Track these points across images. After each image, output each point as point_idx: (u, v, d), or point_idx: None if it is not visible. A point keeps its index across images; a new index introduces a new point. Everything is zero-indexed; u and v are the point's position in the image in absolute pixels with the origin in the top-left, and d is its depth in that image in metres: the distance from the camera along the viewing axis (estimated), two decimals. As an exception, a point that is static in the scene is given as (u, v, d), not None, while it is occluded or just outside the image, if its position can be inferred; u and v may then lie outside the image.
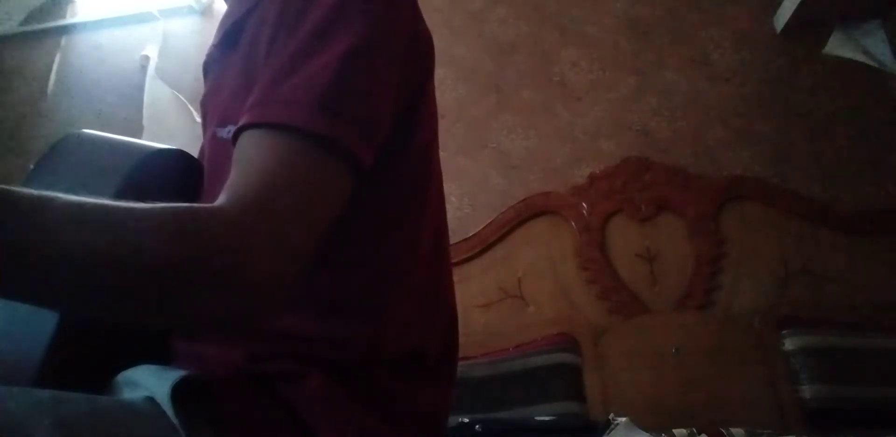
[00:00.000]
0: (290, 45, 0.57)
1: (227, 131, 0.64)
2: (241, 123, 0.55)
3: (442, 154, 0.75)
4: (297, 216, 0.50)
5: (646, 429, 1.45)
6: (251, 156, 0.53)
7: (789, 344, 1.85)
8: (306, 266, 0.51)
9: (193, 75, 2.59)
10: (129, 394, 0.56)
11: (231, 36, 0.69)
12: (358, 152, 0.54)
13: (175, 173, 0.72)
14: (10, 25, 2.93)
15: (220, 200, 0.50)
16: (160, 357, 0.63)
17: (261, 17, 0.64)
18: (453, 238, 0.75)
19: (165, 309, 0.47)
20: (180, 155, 0.74)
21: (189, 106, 2.59)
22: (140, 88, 2.68)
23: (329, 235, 0.53)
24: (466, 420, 1.62)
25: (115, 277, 0.45)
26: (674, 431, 1.52)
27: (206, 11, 2.83)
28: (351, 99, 0.55)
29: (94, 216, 0.46)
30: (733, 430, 1.49)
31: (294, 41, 0.57)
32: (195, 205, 0.49)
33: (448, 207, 0.76)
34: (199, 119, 2.52)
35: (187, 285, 0.46)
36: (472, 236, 2.25)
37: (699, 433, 1.49)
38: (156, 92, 2.65)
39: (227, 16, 0.74)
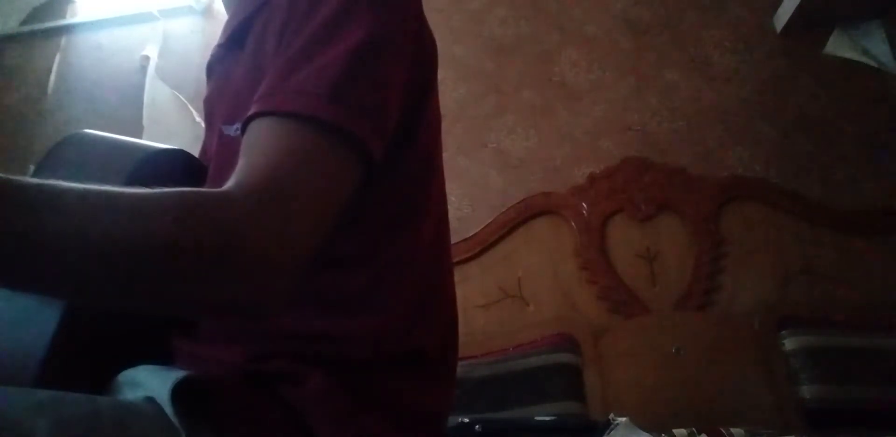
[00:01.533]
0: (300, 39, 0.58)
1: (234, 129, 0.64)
2: (250, 112, 0.55)
3: (442, 154, 0.75)
4: (305, 202, 0.50)
5: (646, 429, 1.44)
6: (261, 143, 0.53)
7: (789, 344, 1.85)
8: (314, 253, 0.51)
9: (194, 75, 2.59)
10: (130, 394, 0.56)
11: (238, 36, 0.70)
12: (368, 143, 0.54)
13: (176, 173, 0.72)
14: (10, 25, 2.93)
15: (229, 184, 0.50)
16: (160, 357, 0.63)
17: (268, 16, 0.64)
18: (453, 238, 0.75)
19: (171, 293, 0.47)
20: (181, 155, 0.74)
21: (189, 106, 2.59)
22: (140, 88, 2.68)
23: (334, 229, 0.53)
24: (466, 420, 1.62)
25: (122, 260, 0.45)
26: (674, 431, 1.52)
27: (206, 11, 2.82)
28: (361, 91, 0.56)
29: (99, 201, 0.46)
30: (733, 430, 1.49)
31: (303, 35, 0.58)
32: (203, 189, 0.49)
33: (448, 207, 0.76)
34: (199, 119, 2.53)
35: (192, 269, 0.46)
36: (472, 236, 2.25)
37: (699, 433, 1.49)
38: (156, 92, 2.65)
39: (233, 16, 0.74)
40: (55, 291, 0.50)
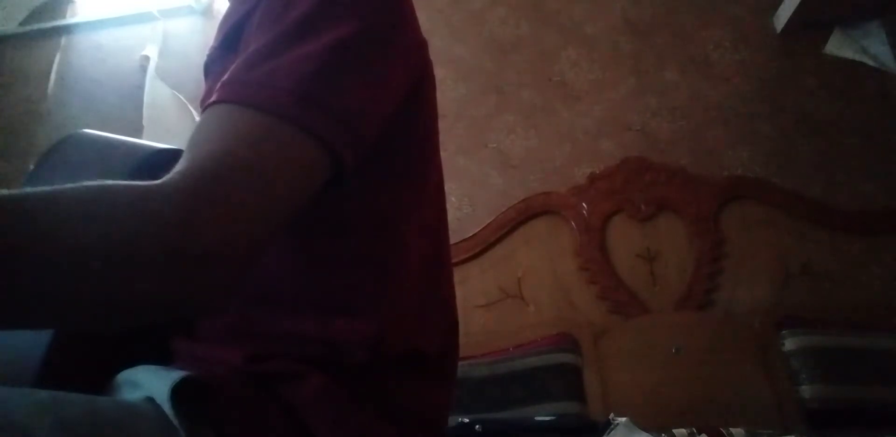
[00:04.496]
0: (274, 31, 0.56)
1: None
2: (209, 100, 0.53)
3: (442, 154, 0.75)
4: (246, 196, 0.47)
5: (646, 429, 1.44)
6: (209, 131, 0.51)
7: (789, 344, 1.85)
8: (260, 245, 0.49)
9: (194, 75, 2.59)
10: (129, 394, 0.56)
11: (231, 37, 0.69)
12: (334, 143, 0.52)
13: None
14: (10, 25, 2.93)
15: (168, 175, 0.47)
16: (160, 357, 0.63)
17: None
18: (453, 238, 0.75)
19: (104, 297, 0.43)
20: (181, 155, 0.74)
21: (189, 106, 2.59)
22: (140, 88, 2.68)
23: (332, 235, 0.53)
24: (466, 420, 1.62)
25: (64, 267, 0.41)
26: (674, 431, 1.51)
27: (206, 11, 2.83)
28: (332, 90, 0.53)
29: (34, 205, 0.43)
30: (733, 430, 1.49)
31: (279, 27, 0.56)
32: (138, 182, 0.46)
33: (448, 207, 0.76)
34: (199, 119, 2.53)
35: (127, 268, 0.42)
36: (472, 236, 2.25)
37: (699, 433, 1.49)
38: (156, 92, 2.65)
39: (226, 17, 0.73)
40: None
